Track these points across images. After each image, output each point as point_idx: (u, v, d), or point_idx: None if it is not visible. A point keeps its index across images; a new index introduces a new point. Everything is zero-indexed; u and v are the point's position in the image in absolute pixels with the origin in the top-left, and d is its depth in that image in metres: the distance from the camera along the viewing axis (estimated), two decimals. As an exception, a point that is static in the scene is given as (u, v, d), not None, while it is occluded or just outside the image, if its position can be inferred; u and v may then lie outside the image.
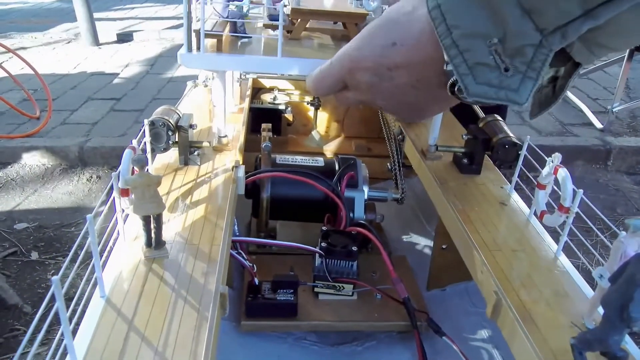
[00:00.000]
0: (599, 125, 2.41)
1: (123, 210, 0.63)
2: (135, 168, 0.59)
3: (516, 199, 0.82)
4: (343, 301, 0.80)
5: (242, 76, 1.10)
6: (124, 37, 3.43)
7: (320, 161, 0.93)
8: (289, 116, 1.17)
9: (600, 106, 2.58)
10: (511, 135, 0.85)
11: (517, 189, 0.84)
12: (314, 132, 1.24)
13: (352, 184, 0.89)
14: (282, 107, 1.17)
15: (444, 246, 0.85)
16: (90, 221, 0.51)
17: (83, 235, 0.52)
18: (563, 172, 0.69)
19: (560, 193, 0.69)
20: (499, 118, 0.90)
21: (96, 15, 3.37)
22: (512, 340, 0.57)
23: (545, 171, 0.74)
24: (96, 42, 3.33)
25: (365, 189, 0.90)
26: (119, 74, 2.93)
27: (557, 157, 0.73)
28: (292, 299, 0.75)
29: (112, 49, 3.31)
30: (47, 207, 1.91)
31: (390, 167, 1.02)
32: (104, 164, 2.18)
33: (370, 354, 0.78)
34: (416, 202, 1.11)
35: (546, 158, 0.75)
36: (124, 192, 0.62)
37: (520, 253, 0.69)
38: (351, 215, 0.87)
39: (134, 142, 0.68)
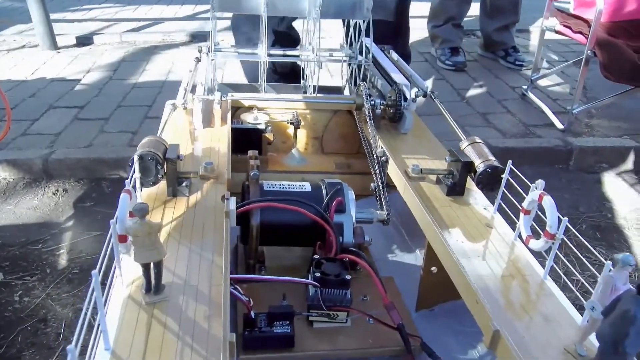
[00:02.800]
0: (560, 126, 2.49)
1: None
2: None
3: (500, 221, 0.85)
4: (338, 328, 0.81)
5: (222, 97, 1.10)
6: (84, 41, 3.33)
7: (307, 186, 0.94)
8: (269, 135, 1.17)
9: (560, 107, 2.66)
10: (492, 158, 0.88)
11: (500, 210, 0.87)
12: (294, 151, 1.25)
13: (340, 209, 0.90)
14: (262, 126, 1.17)
15: (433, 269, 0.87)
16: (96, 277, 0.50)
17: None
18: (548, 200, 0.72)
19: (543, 217, 0.72)
20: (480, 140, 0.93)
21: (52, 16, 3.26)
22: None
23: (529, 197, 0.77)
24: (54, 45, 3.22)
25: (353, 212, 0.92)
26: (80, 80, 2.84)
27: (540, 184, 0.76)
28: (289, 330, 0.75)
29: (71, 54, 3.20)
30: (11, 224, 1.84)
31: (373, 188, 1.03)
32: (70, 177, 2.12)
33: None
34: (398, 220, 1.13)
35: (529, 183, 0.79)
36: (122, 238, 0.61)
37: (509, 279, 0.72)
38: (341, 239, 0.88)
39: (128, 185, 0.67)
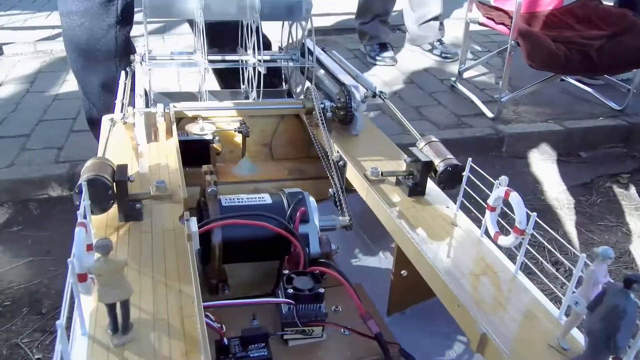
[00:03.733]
0: (490, 114, 2.59)
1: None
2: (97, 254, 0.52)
3: (464, 219, 0.86)
4: (314, 344, 0.78)
5: (165, 108, 1.03)
6: (-8, 51, 3.08)
7: (267, 198, 0.90)
8: (217, 146, 1.11)
9: (488, 96, 2.77)
10: (451, 157, 0.89)
11: (462, 207, 0.88)
12: (244, 160, 1.20)
13: (304, 219, 0.87)
14: (209, 137, 1.11)
15: (403, 273, 0.86)
16: (61, 329, 0.44)
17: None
18: (515, 197, 0.72)
19: (509, 212, 0.72)
20: (436, 139, 0.93)
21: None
22: None
23: (494, 194, 0.77)
24: (-42, 58, 2.95)
25: (317, 221, 0.89)
26: (-8, 94, 2.62)
27: (503, 180, 0.77)
28: (266, 353, 0.72)
29: (-22, 66, 2.95)
30: None
31: (332, 193, 1.01)
32: (-9, 201, 1.95)
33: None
34: (357, 224, 1.12)
35: (492, 180, 0.79)
36: (82, 277, 0.55)
37: (482, 277, 0.72)
38: (307, 251, 0.85)
39: (79, 215, 0.61)
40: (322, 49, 1.34)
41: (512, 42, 2.34)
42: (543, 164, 2.46)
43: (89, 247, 0.61)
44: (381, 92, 1.13)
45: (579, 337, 0.61)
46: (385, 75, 2.95)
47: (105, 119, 1.04)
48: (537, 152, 2.51)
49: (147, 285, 0.65)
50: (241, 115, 1.18)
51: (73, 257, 0.53)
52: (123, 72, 1.21)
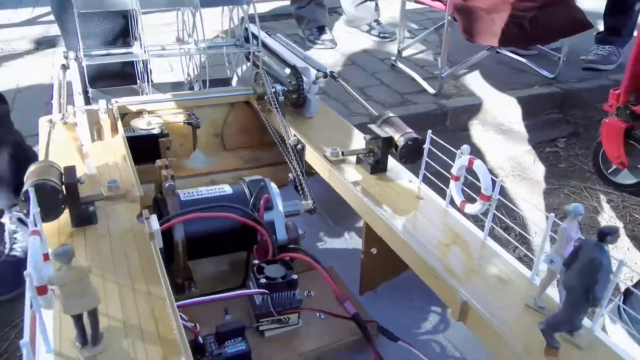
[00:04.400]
0: (431, 90, 2.63)
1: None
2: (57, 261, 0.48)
3: (428, 191, 0.86)
4: (291, 332, 0.77)
5: (108, 104, 0.97)
6: None
7: (227, 189, 0.87)
8: (166, 140, 1.06)
9: (429, 72, 2.81)
10: (410, 130, 0.88)
11: (424, 180, 0.88)
12: (196, 152, 1.15)
13: (268, 207, 0.84)
14: (157, 131, 1.06)
15: (373, 250, 0.85)
16: (27, 349, 0.40)
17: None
18: (479, 164, 0.73)
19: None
20: (393, 114, 0.93)
21: None
22: (485, 337, 0.60)
23: (457, 163, 0.78)
24: None
25: (281, 207, 0.87)
26: None
27: (465, 149, 0.77)
28: (244, 347, 0.69)
29: None
30: None
31: (292, 178, 0.99)
32: None
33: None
34: (320, 206, 1.10)
35: (453, 150, 0.80)
36: (42, 290, 0.50)
37: (453, 246, 0.73)
38: (274, 238, 0.83)
39: (30, 223, 0.56)
40: (267, 33, 1.31)
41: (449, 17, 2.38)
42: (486, 135, 2.53)
43: (45, 257, 0.56)
44: (332, 72, 1.11)
45: (552, 295, 0.62)
46: (326, 58, 2.94)
47: (43, 121, 0.97)
48: (479, 123, 2.58)
49: (113, 291, 0.61)
50: (189, 106, 1.14)
51: (30, 268, 0.49)
52: (58, 69, 1.13)
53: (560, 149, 2.52)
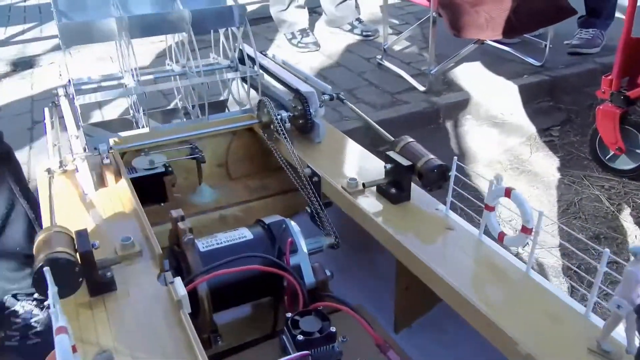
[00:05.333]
0: (421, 88, 2.60)
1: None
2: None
3: (457, 220, 0.82)
4: (332, 387, 0.72)
5: (109, 149, 0.91)
6: None
7: (246, 233, 0.82)
8: (171, 178, 1.01)
9: (416, 69, 2.78)
10: (432, 157, 0.84)
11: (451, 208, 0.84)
12: (202, 186, 1.10)
13: (292, 250, 0.80)
14: (161, 169, 1.01)
15: (406, 287, 0.82)
16: None
17: None
18: (518, 195, 0.69)
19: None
20: (411, 139, 0.89)
21: None
22: None
23: (491, 193, 0.74)
24: None
25: (305, 249, 0.82)
26: None
27: (499, 178, 0.73)
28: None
29: None
30: None
31: (310, 211, 0.94)
32: None
33: None
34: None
35: (485, 178, 0.76)
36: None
37: (497, 282, 0.69)
38: (303, 284, 0.78)
39: (55, 319, 0.50)
40: (262, 53, 1.25)
41: (434, 13, 2.34)
42: (480, 129, 2.51)
43: (72, 349, 0.51)
44: (338, 93, 1.06)
45: (617, 337, 0.59)
46: (311, 61, 2.88)
47: (41, 171, 0.91)
48: (472, 118, 2.55)
49: None
50: (189, 139, 1.08)
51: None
52: (46, 109, 1.06)
53: (555, 137, 2.51)
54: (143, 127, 1.15)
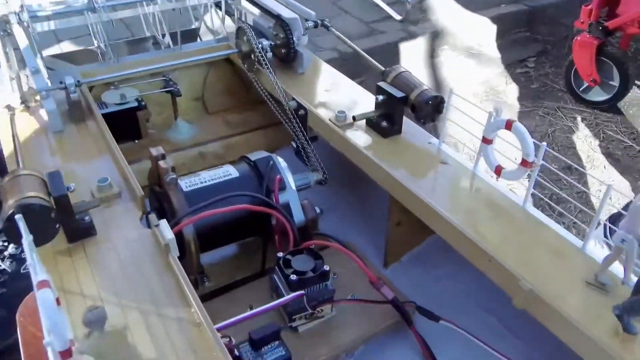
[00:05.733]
0: (397, 17, 2.51)
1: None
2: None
3: (451, 154, 0.79)
4: (325, 323, 0.71)
5: (76, 82, 0.83)
6: None
7: (232, 171, 0.77)
8: (144, 113, 0.94)
9: (392, -3, 2.67)
10: (427, 87, 0.80)
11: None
12: (179, 122, 1.04)
13: (281, 187, 0.76)
14: (133, 103, 0.93)
15: (398, 222, 0.79)
16: None
17: None
18: (520, 127, 0.66)
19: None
20: (404, 69, 0.84)
21: None
22: (553, 325, 0.56)
23: (490, 125, 0.71)
24: None
25: (293, 186, 0.79)
26: None
27: (499, 109, 0.70)
28: (284, 352, 0.63)
29: None
30: None
31: (296, 146, 0.90)
32: None
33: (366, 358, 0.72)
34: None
35: (484, 110, 0.73)
36: (66, 354, 0.42)
37: (495, 217, 0.67)
38: (293, 222, 0.75)
39: (32, 268, 0.46)
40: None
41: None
42: (457, 60, 2.46)
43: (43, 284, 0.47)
44: (322, 20, 0.99)
45: (614, 271, 0.58)
46: (282, -13, 2.73)
47: (0, 109, 0.83)
48: (449, 48, 2.50)
49: (138, 322, 0.53)
50: (162, 70, 1.00)
51: (47, 333, 0.40)
52: (-4, 38, 0.96)
53: (530, 68, 2.48)
54: (110, 59, 1.06)
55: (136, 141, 0.96)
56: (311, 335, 0.70)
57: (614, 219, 1.23)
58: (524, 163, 0.66)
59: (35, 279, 0.44)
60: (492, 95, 2.30)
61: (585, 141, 2.02)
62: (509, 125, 0.67)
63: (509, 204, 0.69)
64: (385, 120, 0.82)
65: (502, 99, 2.28)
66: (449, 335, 0.70)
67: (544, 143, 0.64)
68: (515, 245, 0.62)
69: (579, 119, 2.14)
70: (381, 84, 0.82)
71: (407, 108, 0.81)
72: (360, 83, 2.35)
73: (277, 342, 0.64)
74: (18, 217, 0.52)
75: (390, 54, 2.33)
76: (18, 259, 1.30)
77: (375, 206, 0.90)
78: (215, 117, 1.09)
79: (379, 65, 0.88)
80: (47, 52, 1.11)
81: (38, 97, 0.83)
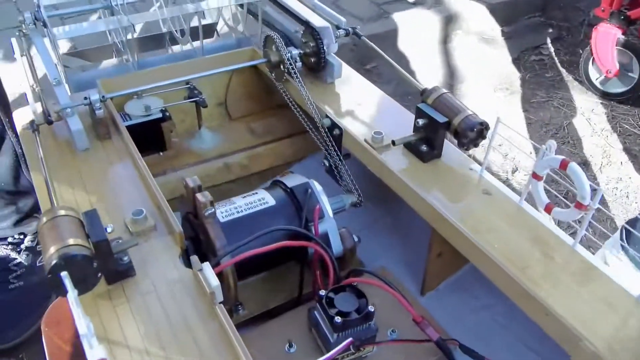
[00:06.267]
0: (410, -1, 2.44)
1: None
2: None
3: (492, 181, 0.77)
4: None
5: (101, 98, 0.79)
6: None
7: (268, 199, 0.75)
8: (169, 125, 0.90)
9: (404, -24, 2.58)
10: (470, 112, 0.77)
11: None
12: (202, 131, 1.00)
13: (319, 216, 0.73)
14: (158, 115, 0.90)
15: (439, 253, 0.77)
16: None
17: None
18: (575, 168, 0.64)
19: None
20: (445, 90, 0.80)
21: None
22: None
23: (541, 162, 0.68)
24: None
25: (330, 212, 0.76)
26: None
27: (552, 146, 0.67)
28: (329, 397, 0.62)
29: None
30: None
31: (328, 165, 0.87)
32: None
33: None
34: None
35: (536, 145, 0.70)
36: None
37: (546, 261, 0.65)
38: (332, 253, 0.73)
39: (85, 340, 0.43)
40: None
41: None
42: (469, 46, 2.41)
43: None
44: (354, 28, 0.95)
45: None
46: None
47: (20, 125, 0.79)
48: (462, 33, 2.44)
49: None
50: (183, 77, 0.96)
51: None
52: (14, 41, 0.91)
53: (545, 56, 2.43)
54: (128, 61, 1.02)
55: (161, 153, 0.93)
56: (352, 373, 0.69)
57: (632, 223, 1.22)
58: (579, 205, 0.64)
59: (90, 355, 0.42)
60: (506, 84, 2.26)
61: (601, 135, 1.99)
62: (564, 165, 0.64)
63: (556, 243, 0.67)
64: (425, 144, 0.79)
65: (516, 89, 2.24)
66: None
67: (601, 188, 0.62)
68: (570, 294, 0.61)
69: (595, 111, 2.11)
70: (422, 106, 0.79)
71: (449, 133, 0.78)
72: (371, 69, 2.30)
73: (320, 385, 0.63)
74: (64, 274, 0.49)
75: (402, 38, 2.27)
76: (35, 252, 1.28)
77: (412, 230, 0.88)
78: (238, 123, 1.06)
79: (419, 84, 0.84)
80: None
81: (57, 109, 0.79)
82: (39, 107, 0.79)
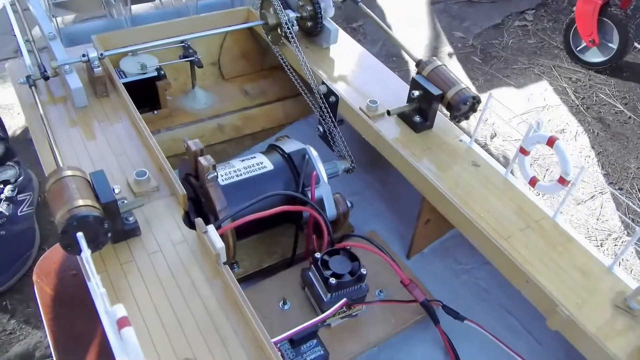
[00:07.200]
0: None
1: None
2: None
3: (481, 153, 0.80)
4: (357, 319, 0.74)
5: (99, 54, 0.79)
6: None
7: (266, 163, 0.77)
8: (164, 83, 0.90)
9: None
10: (464, 86, 0.79)
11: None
12: (196, 90, 1.00)
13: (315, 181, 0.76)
14: (153, 73, 0.89)
15: (428, 220, 0.81)
16: None
17: None
18: (561, 146, 0.67)
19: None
20: (440, 62, 0.82)
21: None
22: (583, 347, 0.60)
23: (530, 138, 0.72)
24: None
25: (325, 177, 0.79)
26: None
27: (540, 123, 0.71)
28: (322, 352, 0.67)
29: None
30: None
31: (322, 131, 0.89)
32: None
33: (387, 353, 0.77)
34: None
35: (526, 122, 0.73)
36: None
37: (527, 230, 0.70)
38: (326, 217, 0.76)
39: (100, 298, 0.45)
40: None
41: None
42: (453, 8, 2.40)
43: (123, 323, 0.48)
44: (352, -8, 0.95)
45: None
46: None
47: (15, 80, 0.78)
48: (449, -6, 2.42)
49: (198, 341, 0.54)
50: (178, 35, 0.95)
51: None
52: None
53: (528, 22, 2.45)
54: (119, 13, 1.00)
55: (155, 112, 0.93)
56: (343, 331, 0.73)
57: None
58: (562, 181, 0.68)
59: (108, 314, 0.44)
60: (489, 49, 2.27)
61: (578, 104, 2.04)
62: (550, 142, 0.68)
63: (539, 215, 0.71)
64: (419, 115, 0.82)
65: (498, 54, 2.26)
66: (470, 334, 0.74)
67: (584, 165, 0.65)
68: (550, 263, 0.65)
69: (573, 79, 2.16)
70: (417, 77, 0.81)
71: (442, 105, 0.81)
72: (357, 27, 2.28)
73: (315, 341, 0.68)
74: (79, 235, 0.51)
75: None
76: (15, 201, 1.27)
77: (402, 197, 0.92)
78: (231, 84, 1.06)
79: (414, 55, 0.86)
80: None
81: (55, 65, 0.78)
82: (33, 63, 0.78)
